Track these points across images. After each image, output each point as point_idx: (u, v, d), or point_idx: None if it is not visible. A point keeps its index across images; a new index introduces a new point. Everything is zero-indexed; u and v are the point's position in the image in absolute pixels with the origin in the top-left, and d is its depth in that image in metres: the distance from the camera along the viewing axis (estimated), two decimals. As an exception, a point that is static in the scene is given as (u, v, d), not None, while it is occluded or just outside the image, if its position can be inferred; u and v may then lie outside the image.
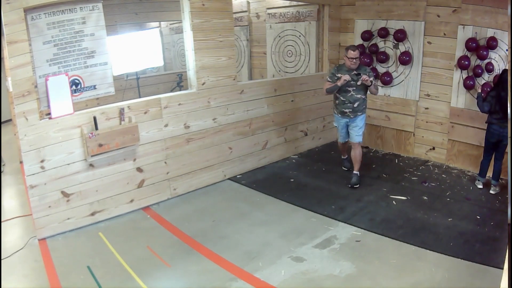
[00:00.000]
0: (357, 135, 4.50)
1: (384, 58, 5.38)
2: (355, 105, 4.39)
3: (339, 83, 4.29)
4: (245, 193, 4.46)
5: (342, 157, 5.03)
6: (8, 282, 2.89)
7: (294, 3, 5.95)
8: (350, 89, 4.36)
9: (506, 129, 3.97)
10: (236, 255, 3.21)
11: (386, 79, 5.39)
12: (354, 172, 4.56)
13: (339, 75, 4.35)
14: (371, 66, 5.55)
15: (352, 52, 4.25)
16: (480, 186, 4.39)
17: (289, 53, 6.34)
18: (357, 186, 4.46)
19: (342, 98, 4.43)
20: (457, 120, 4.89)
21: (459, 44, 4.70)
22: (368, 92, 4.49)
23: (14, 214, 4.04)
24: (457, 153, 5.02)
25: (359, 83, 4.31)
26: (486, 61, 4.51)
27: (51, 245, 3.41)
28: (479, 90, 4.28)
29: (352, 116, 4.46)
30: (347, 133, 4.62)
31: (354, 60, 4.26)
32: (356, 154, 4.55)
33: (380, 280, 2.87)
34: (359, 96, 4.38)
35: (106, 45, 3.72)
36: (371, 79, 4.29)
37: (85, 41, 3.58)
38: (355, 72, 4.31)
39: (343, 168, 5.01)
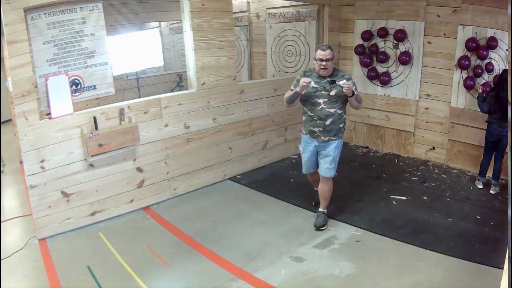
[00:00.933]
0: (327, 167, 3.48)
1: (384, 58, 5.38)
2: (327, 122, 3.37)
3: (298, 89, 3.28)
4: (245, 193, 4.46)
5: (315, 188, 3.95)
6: (8, 282, 2.89)
7: (294, 3, 5.94)
8: (320, 100, 3.34)
9: (506, 129, 3.98)
10: (236, 255, 3.21)
11: (385, 79, 5.39)
12: (320, 210, 3.69)
13: None
14: (371, 66, 5.56)
15: (321, 52, 3.26)
16: (480, 186, 4.39)
17: (289, 53, 6.34)
18: (324, 228, 3.59)
19: (309, 113, 3.43)
20: (457, 120, 4.89)
21: (459, 44, 4.70)
22: (349, 106, 3.56)
23: (14, 214, 4.04)
24: (457, 153, 5.02)
25: (332, 93, 3.31)
26: (486, 61, 4.52)
27: (51, 245, 3.41)
28: (480, 91, 4.28)
29: (323, 138, 3.44)
30: (315, 163, 3.61)
31: (324, 63, 3.25)
32: (325, 189, 3.60)
33: (380, 280, 2.87)
34: (332, 110, 3.35)
35: (106, 45, 3.72)
36: (354, 88, 3.31)
37: (85, 41, 3.58)
38: (328, 79, 3.33)
39: (313, 203, 3.98)
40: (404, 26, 5.14)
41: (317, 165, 3.61)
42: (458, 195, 4.25)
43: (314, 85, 3.33)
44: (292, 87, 3.47)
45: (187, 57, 4.32)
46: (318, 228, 3.58)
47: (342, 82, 3.20)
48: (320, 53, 3.26)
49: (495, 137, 4.12)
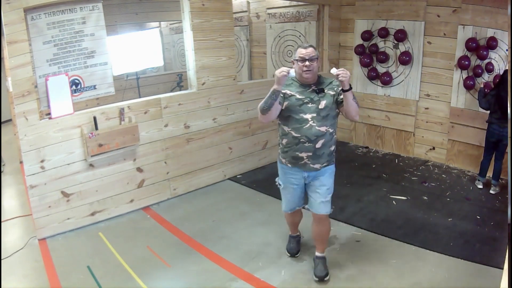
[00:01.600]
0: (322, 201, 2.74)
1: (384, 58, 5.38)
2: (318, 145, 2.60)
3: (275, 85, 2.47)
4: (245, 193, 4.46)
5: (290, 234, 3.21)
6: (8, 282, 2.89)
7: (294, 3, 5.95)
8: (307, 116, 2.58)
9: (506, 129, 3.99)
10: (236, 255, 3.21)
11: (386, 79, 5.39)
12: (318, 255, 2.93)
13: (286, 91, 2.64)
14: (371, 66, 5.56)
15: (302, 50, 2.58)
16: (480, 186, 4.39)
17: (289, 53, 6.34)
18: (327, 278, 2.85)
19: (294, 134, 2.61)
20: (457, 120, 4.89)
21: (459, 44, 4.70)
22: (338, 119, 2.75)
23: (14, 214, 4.04)
24: (457, 153, 5.02)
25: (321, 105, 2.58)
26: (486, 61, 4.52)
27: (51, 245, 3.41)
28: (482, 86, 4.27)
29: (314, 166, 2.67)
30: (303, 198, 2.89)
31: (308, 63, 2.55)
32: (323, 231, 2.88)
33: (380, 280, 2.87)
34: (323, 129, 2.59)
35: (106, 45, 3.72)
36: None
37: (85, 41, 3.58)
38: (314, 87, 2.63)
39: (287, 253, 3.18)
40: (404, 26, 5.14)
41: (304, 200, 2.91)
42: (458, 195, 4.25)
43: (298, 96, 2.61)
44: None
45: (187, 57, 4.32)
46: (322, 278, 2.83)
47: (334, 70, 2.43)
48: (301, 52, 2.58)
49: (495, 137, 4.13)
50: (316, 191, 2.75)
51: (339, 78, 2.41)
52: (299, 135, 2.61)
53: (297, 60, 2.60)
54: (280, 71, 2.42)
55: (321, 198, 2.73)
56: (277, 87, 2.47)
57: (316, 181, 2.73)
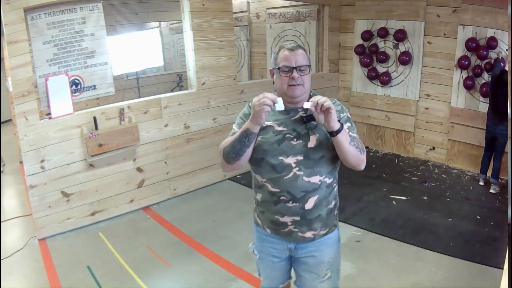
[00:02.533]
0: (321, 281, 1.81)
1: (384, 58, 5.37)
2: (308, 205, 1.66)
3: (249, 123, 1.61)
4: (245, 193, 4.45)
5: None
6: (8, 282, 2.89)
7: (294, 3, 5.95)
8: (290, 160, 1.63)
9: (500, 127, 4.06)
10: (236, 255, 3.21)
11: (385, 79, 5.39)
12: None
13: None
14: (371, 66, 5.55)
15: (287, 53, 1.63)
16: (481, 183, 4.43)
17: (289, 53, 6.33)
18: None
19: (271, 188, 1.68)
20: (457, 120, 4.89)
21: (459, 44, 4.70)
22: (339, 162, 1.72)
23: (14, 214, 4.04)
24: (457, 153, 5.02)
25: (311, 143, 1.62)
26: (486, 61, 4.52)
27: (51, 245, 3.41)
28: (500, 57, 4.20)
29: (303, 236, 1.72)
30: (287, 271, 1.95)
31: (296, 74, 1.61)
32: None
33: (380, 280, 2.87)
34: (316, 180, 1.65)
35: (106, 45, 3.73)
36: (344, 123, 1.64)
37: (85, 41, 3.59)
38: (301, 113, 1.68)
39: None
40: (404, 26, 5.14)
41: (290, 274, 1.99)
42: (458, 195, 4.25)
43: (278, 128, 1.68)
44: (234, 127, 1.81)
45: (187, 57, 4.32)
46: None
47: (307, 104, 1.52)
48: (285, 55, 1.63)
49: (490, 134, 4.21)
50: (311, 271, 1.81)
51: (312, 109, 1.51)
52: (277, 190, 1.66)
53: (278, 68, 1.65)
54: (261, 102, 1.52)
55: (319, 278, 1.81)
56: (253, 128, 1.58)
57: (310, 258, 1.78)
